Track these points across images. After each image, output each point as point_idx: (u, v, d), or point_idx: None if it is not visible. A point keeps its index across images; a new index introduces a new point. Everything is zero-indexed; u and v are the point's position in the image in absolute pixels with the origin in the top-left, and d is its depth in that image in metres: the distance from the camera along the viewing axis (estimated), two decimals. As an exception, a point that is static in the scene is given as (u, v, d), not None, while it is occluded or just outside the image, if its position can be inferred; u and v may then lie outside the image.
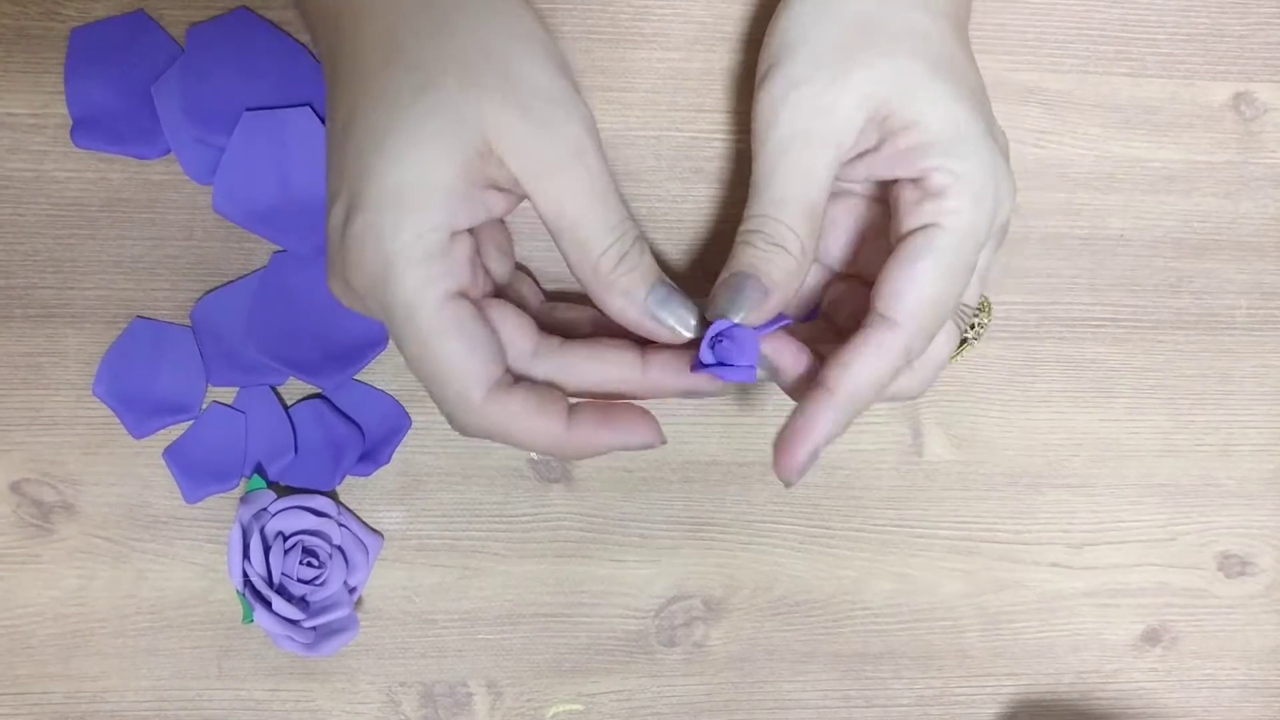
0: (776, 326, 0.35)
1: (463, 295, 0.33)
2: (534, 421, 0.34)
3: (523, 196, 0.35)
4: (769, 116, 0.36)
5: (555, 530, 0.43)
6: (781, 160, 0.35)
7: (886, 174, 0.36)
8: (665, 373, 0.35)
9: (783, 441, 0.34)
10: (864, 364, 0.34)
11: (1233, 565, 0.46)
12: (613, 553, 0.43)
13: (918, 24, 0.36)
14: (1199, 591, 0.45)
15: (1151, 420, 0.45)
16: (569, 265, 0.35)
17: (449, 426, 0.33)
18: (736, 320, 0.34)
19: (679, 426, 0.43)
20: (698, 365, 0.35)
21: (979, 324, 0.43)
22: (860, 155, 0.36)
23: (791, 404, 0.34)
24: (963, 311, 0.38)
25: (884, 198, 0.38)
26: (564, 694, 0.43)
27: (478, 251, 0.36)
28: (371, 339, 0.42)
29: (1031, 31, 0.45)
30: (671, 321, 0.35)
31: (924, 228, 0.35)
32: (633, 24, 0.43)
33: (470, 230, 0.34)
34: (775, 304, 0.35)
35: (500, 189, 0.34)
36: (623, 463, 0.43)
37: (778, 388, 0.43)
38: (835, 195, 0.39)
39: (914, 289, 0.34)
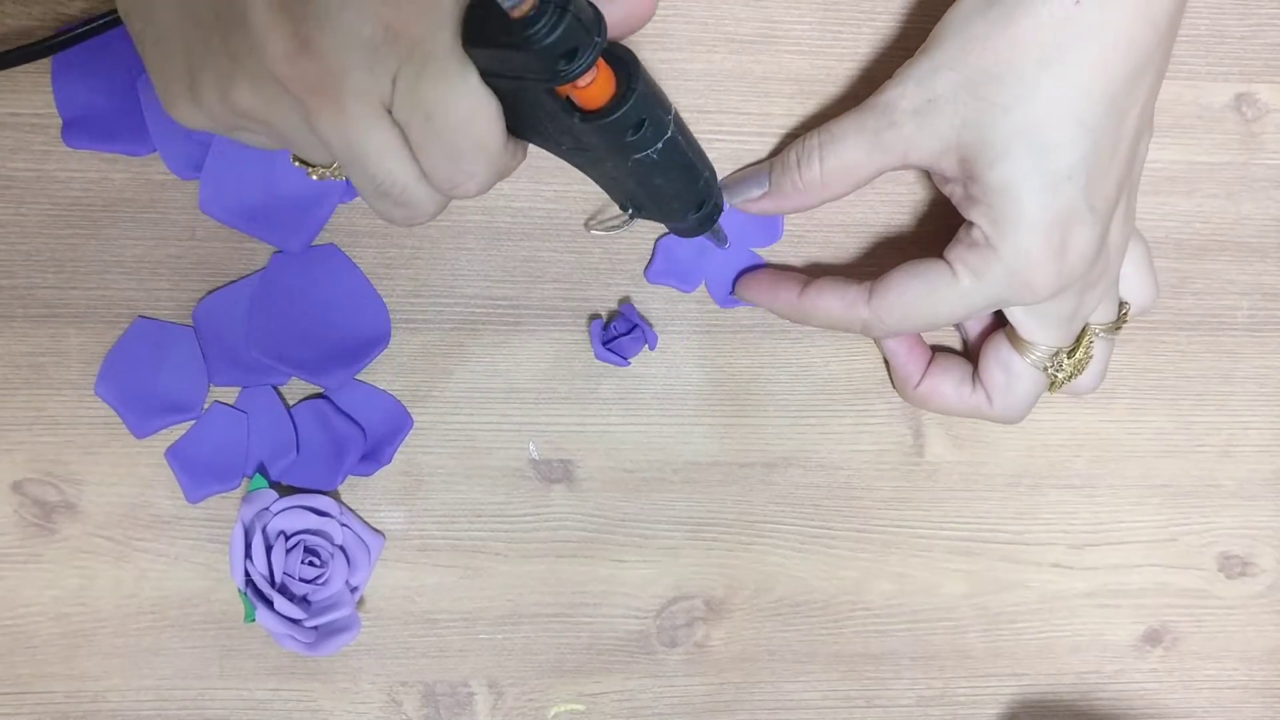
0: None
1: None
2: None
3: None
4: (885, 84, 0.38)
5: (557, 530, 0.43)
6: (852, 114, 0.38)
7: (954, 200, 0.39)
8: None
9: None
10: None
11: (1234, 566, 0.46)
12: (614, 553, 0.43)
13: (1072, 70, 0.35)
14: (1200, 592, 0.45)
15: (1153, 421, 0.45)
16: None
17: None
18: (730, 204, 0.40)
19: (680, 427, 0.43)
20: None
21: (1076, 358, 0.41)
22: (945, 180, 0.39)
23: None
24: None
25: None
26: (565, 694, 0.43)
27: None
28: (373, 338, 0.42)
29: (1033, 32, 0.45)
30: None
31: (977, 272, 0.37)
32: (634, 24, 0.43)
33: None
34: (765, 200, 0.40)
35: None
36: (624, 463, 0.43)
37: (777, 390, 0.43)
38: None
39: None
